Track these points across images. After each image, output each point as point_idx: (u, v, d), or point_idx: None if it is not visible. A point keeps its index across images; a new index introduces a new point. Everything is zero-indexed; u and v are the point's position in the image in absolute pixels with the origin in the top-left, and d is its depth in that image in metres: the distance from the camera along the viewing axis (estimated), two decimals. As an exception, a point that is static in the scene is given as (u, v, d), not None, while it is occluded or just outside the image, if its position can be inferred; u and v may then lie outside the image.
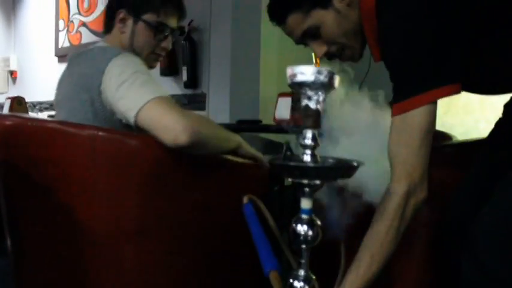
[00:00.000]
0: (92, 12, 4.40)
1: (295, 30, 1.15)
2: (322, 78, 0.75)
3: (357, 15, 1.09)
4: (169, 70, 3.64)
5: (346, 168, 0.78)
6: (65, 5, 4.71)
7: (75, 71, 1.24)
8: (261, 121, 2.14)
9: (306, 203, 0.79)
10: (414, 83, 0.95)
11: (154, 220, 1.12)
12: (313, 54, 1.25)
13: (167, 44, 1.39)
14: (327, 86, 0.76)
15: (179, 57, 3.60)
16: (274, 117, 2.09)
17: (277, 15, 1.15)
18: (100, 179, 1.04)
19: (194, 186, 1.15)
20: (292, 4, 1.11)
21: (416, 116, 0.93)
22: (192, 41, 3.50)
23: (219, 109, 3.25)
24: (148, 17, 1.32)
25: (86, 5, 4.54)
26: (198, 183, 1.16)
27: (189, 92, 3.61)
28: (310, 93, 0.77)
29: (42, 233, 1.16)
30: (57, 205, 1.08)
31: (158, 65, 3.60)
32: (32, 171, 1.08)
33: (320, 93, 0.77)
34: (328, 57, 1.16)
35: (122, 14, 1.33)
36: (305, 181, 0.76)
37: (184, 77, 3.51)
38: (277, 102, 2.09)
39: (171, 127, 1.00)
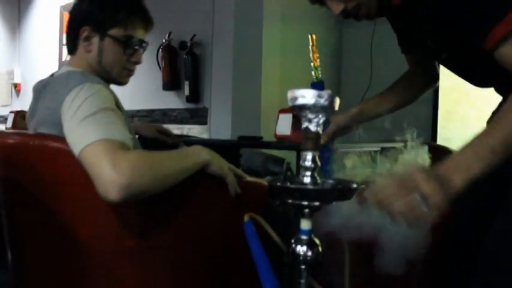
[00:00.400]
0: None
1: None
2: (323, 101, 0.76)
3: None
4: (172, 84, 3.67)
5: (345, 190, 0.78)
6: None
7: (41, 105, 1.18)
8: (261, 137, 2.14)
9: (305, 224, 0.79)
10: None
11: (155, 237, 1.13)
12: (312, 64, 1.24)
13: (138, 57, 1.32)
14: (327, 109, 0.77)
15: (181, 71, 3.64)
16: (275, 133, 2.10)
17: None
18: (94, 195, 1.04)
19: (195, 204, 1.16)
20: None
21: None
22: (194, 56, 3.53)
23: (220, 124, 3.26)
24: (115, 31, 1.24)
25: (89, 19, 4.58)
26: (198, 200, 1.17)
27: (191, 106, 3.63)
28: (310, 115, 0.78)
29: (43, 249, 1.16)
30: (58, 222, 1.09)
31: (160, 79, 3.68)
32: (34, 189, 1.09)
33: (320, 116, 0.78)
34: (345, 15, 1.13)
35: (86, 32, 1.24)
36: (305, 203, 0.77)
37: (187, 92, 3.54)
38: (278, 118, 2.09)
39: (98, 179, 0.94)
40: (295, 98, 0.78)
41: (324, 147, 1.14)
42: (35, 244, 1.18)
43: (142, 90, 4.08)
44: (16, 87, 5.89)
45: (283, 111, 2.04)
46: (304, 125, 0.79)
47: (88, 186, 0.98)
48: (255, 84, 3.21)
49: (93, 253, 1.10)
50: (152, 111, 3.98)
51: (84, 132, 1.00)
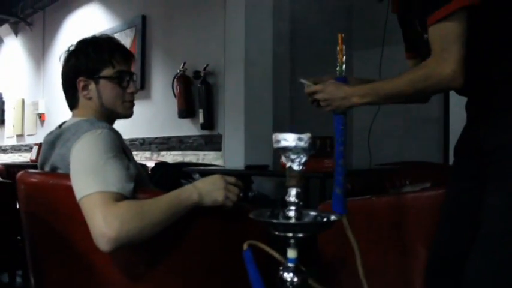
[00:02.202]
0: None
1: None
2: (303, 144, 0.86)
3: None
4: (187, 112, 3.81)
5: (325, 223, 0.87)
6: (89, 52, 4.97)
7: (55, 153, 1.29)
8: (268, 166, 2.24)
9: (291, 253, 0.88)
10: None
11: (162, 265, 1.22)
12: (338, 61, 1.35)
13: (133, 87, 1.41)
14: (307, 150, 0.87)
15: (196, 100, 3.78)
16: (281, 161, 2.18)
17: None
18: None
19: (198, 232, 1.25)
20: None
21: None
22: (207, 85, 3.68)
23: (234, 150, 3.36)
24: (106, 72, 1.35)
25: (109, 51, 4.79)
26: (202, 229, 1.26)
27: (205, 133, 3.76)
28: (292, 156, 0.88)
29: (61, 275, 1.27)
30: (75, 253, 1.19)
31: (176, 108, 3.83)
32: (52, 222, 1.20)
33: (302, 156, 0.88)
34: None
35: (82, 82, 1.35)
36: (289, 234, 0.86)
37: (201, 119, 3.68)
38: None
39: (91, 231, 1.06)
40: (279, 141, 0.87)
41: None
42: (53, 271, 1.29)
43: (159, 118, 4.23)
44: (41, 117, 6.15)
45: (289, 139, 2.11)
46: (288, 164, 0.89)
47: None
48: (266, 110, 3.32)
49: (108, 279, 1.21)
50: (169, 138, 4.13)
51: (84, 182, 1.11)
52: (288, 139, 0.87)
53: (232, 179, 1.26)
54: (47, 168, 1.33)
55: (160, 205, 1.15)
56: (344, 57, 1.33)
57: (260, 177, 2.51)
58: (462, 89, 1.33)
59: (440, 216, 1.37)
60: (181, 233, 1.23)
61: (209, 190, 1.21)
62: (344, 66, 1.35)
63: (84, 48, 1.40)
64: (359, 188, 2.97)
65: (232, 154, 3.38)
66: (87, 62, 1.37)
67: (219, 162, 3.61)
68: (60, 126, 1.39)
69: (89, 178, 1.11)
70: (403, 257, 1.55)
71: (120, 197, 1.11)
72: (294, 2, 3.55)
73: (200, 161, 3.77)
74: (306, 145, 0.86)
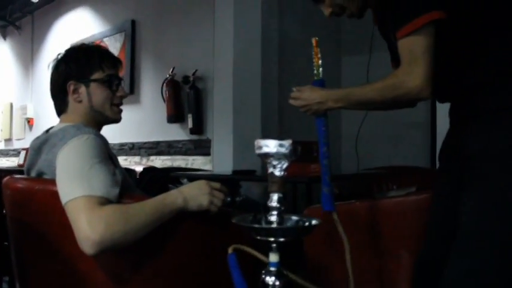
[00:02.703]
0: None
1: None
2: (284, 150, 0.88)
3: None
4: (176, 117, 3.82)
5: (306, 227, 0.89)
6: (78, 56, 4.97)
7: (41, 158, 1.30)
8: (255, 171, 2.25)
9: (273, 257, 0.89)
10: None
11: (148, 269, 1.23)
12: (314, 64, 1.39)
13: (122, 92, 1.44)
14: (288, 156, 0.89)
15: (185, 104, 3.79)
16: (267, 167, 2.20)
17: None
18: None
19: (184, 237, 1.26)
20: None
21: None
22: (196, 90, 3.69)
23: (223, 154, 3.37)
24: (96, 75, 1.38)
25: (98, 55, 4.79)
26: (188, 233, 1.27)
27: (194, 137, 3.77)
28: (274, 162, 0.90)
29: (47, 280, 1.27)
30: (61, 257, 1.20)
31: (165, 112, 3.83)
32: (39, 229, 1.21)
33: (283, 162, 0.90)
34: (334, 15, 1.40)
35: (72, 85, 1.37)
36: (271, 239, 0.87)
37: (190, 124, 3.69)
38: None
39: (76, 234, 1.07)
40: (260, 147, 0.89)
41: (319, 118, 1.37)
42: (40, 277, 1.29)
43: (148, 123, 4.24)
44: (29, 121, 6.12)
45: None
46: (270, 170, 0.91)
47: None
48: (254, 115, 3.33)
49: (94, 282, 1.21)
50: (158, 143, 4.13)
51: (69, 187, 1.12)
52: (270, 145, 0.88)
53: (217, 185, 1.27)
54: (33, 174, 1.33)
55: (145, 209, 1.16)
56: (320, 61, 1.37)
57: (248, 182, 2.53)
58: (443, 96, 1.37)
59: (428, 220, 1.40)
60: (167, 238, 1.24)
61: (194, 195, 1.23)
62: (321, 69, 1.39)
63: (74, 54, 1.43)
64: (346, 192, 2.99)
65: (221, 159, 3.39)
66: (78, 67, 1.39)
67: (208, 166, 3.62)
68: (47, 131, 1.39)
69: (74, 183, 1.12)
70: (387, 262, 1.58)
71: (105, 201, 1.12)
72: (283, 8, 3.58)
73: (189, 166, 3.78)
74: (287, 151, 0.88)
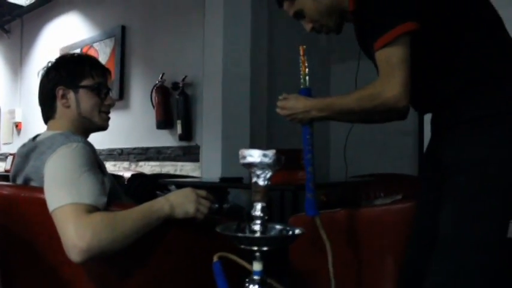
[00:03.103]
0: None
1: (289, 12, 1.45)
2: (267, 160, 0.89)
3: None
4: (165, 123, 3.82)
5: (289, 236, 0.90)
6: (68, 61, 4.95)
7: (29, 165, 1.30)
8: (242, 178, 2.26)
9: (257, 266, 0.90)
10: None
11: (135, 277, 1.23)
12: (301, 73, 1.42)
13: (110, 100, 1.46)
14: (272, 166, 0.90)
15: (174, 111, 3.79)
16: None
17: (277, 2, 1.47)
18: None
19: (170, 245, 1.26)
20: None
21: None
22: (186, 96, 3.69)
23: (211, 161, 3.38)
24: (85, 82, 1.40)
25: (88, 60, 4.78)
26: (174, 241, 1.27)
27: (183, 144, 3.77)
28: (258, 172, 0.91)
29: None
30: (48, 267, 1.20)
31: (154, 118, 3.83)
32: (25, 237, 1.21)
33: (267, 172, 0.91)
34: (315, 31, 1.45)
35: (61, 91, 1.38)
36: (254, 248, 0.88)
37: (179, 130, 3.69)
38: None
39: (63, 242, 1.07)
40: (244, 157, 0.90)
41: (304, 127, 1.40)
42: (25, 284, 1.29)
43: (137, 128, 4.23)
44: (17, 126, 6.08)
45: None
46: (253, 179, 0.92)
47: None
48: (243, 122, 3.35)
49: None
50: (147, 149, 4.13)
51: (57, 194, 1.13)
52: (254, 155, 0.90)
53: (203, 193, 1.29)
54: (19, 181, 1.33)
55: (132, 216, 1.17)
56: (307, 69, 1.39)
57: (236, 188, 2.53)
58: (421, 107, 1.40)
59: (412, 228, 1.43)
60: (152, 246, 1.24)
61: (180, 202, 1.24)
62: (307, 78, 1.41)
63: (64, 61, 1.45)
64: (334, 200, 3.01)
65: (209, 165, 3.40)
66: (68, 73, 1.41)
67: (196, 173, 3.62)
68: (33, 139, 1.39)
69: (63, 190, 1.13)
70: (372, 269, 1.59)
71: (92, 209, 1.13)
72: (272, 16, 3.61)
73: (178, 172, 3.77)
74: (271, 161, 0.90)
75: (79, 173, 1.17)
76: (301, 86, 1.41)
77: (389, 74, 1.20)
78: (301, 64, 1.41)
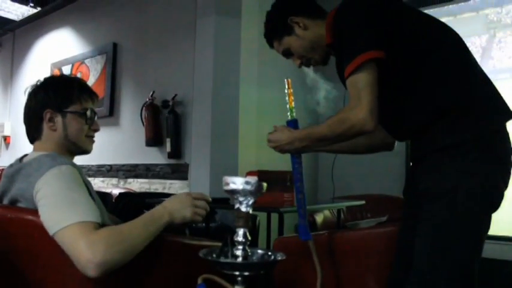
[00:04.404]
0: (85, 84, 4.67)
1: (278, 50, 1.58)
2: (249, 187, 0.92)
3: (313, 33, 1.48)
4: (154, 140, 3.84)
5: (270, 262, 0.92)
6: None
7: (15, 187, 1.31)
8: (229, 199, 2.28)
9: (238, 291, 0.93)
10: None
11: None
12: (287, 106, 1.49)
13: (97, 125, 1.48)
14: (254, 194, 0.93)
15: (163, 128, 3.81)
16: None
17: (267, 42, 1.60)
18: (68, 264, 1.16)
19: (153, 270, 1.27)
20: (271, 36, 1.57)
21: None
22: (175, 114, 3.72)
23: (200, 180, 3.39)
24: (73, 108, 1.41)
25: (78, 76, 4.80)
26: (156, 266, 1.28)
27: (172, 161, 3.78)
28: (241, 198, 0.94)
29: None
30: (29, 283, 1.20)
31: (144, 136, 3.85)
32: (11, 257, 1.21)
33: (249, 198, 0.94)
34: (304, 65, 1.55)
35: (49, 114, 1.39)
36: (236, 273, 0.90)
37: (168, 148, 3.70)
38: (246, 179, 2.22)
39: (76, 259, 1.08)
40: (227, 184, 0.93)
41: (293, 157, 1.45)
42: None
43: (126, 145, 4.24)
44: (6, 139, 6.05)
45: (250, 173, 2.17)
46: (236, 206, 0.94)
47: (57, 256, 1.11)
48: (232, 141, 3.37)
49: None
50: (136, 165, 4.13)
51: (61, 215, 1.14)
52: (236, 182, 0.92)
53: (198, 195, 1.32)
54: (5, 201, 1.34)
55: (137, 227, 1.21)
56: (293, 102, 1.44)
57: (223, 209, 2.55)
58: (399, 136, 1.45)
59: (395, 251, 1.46)
60: (145, 266, 1.25)
61: (177, 209, 1.28)
62: (294, 110, 1.46)
63: (53, 84, 1.45)
64: (320, 221, 3.04)
65: (198, 183, 3.41)
66: (56, 97, 1.41)
67: (185, 191, 3.62)
68: (20, 159, 1.40)
69: (65, 211, 1.15)
70: (355, 291, 1.61)
71: (98, 226, 1.15)
72: (262, 37, 3.66)
73: (166, 190, 3.78)
74: (253, 188, 0.92)
75: (77, 193, 1.20)
76: (289, 118, 1.46)
77: (356, 98, 1.26)
78: (287, 96, 1.46)
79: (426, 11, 1.47)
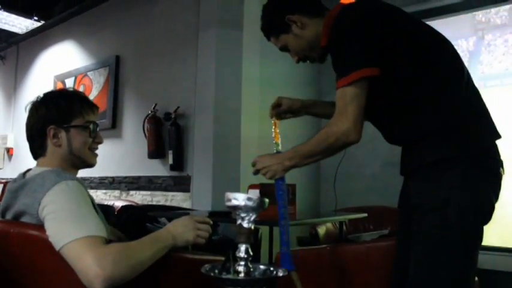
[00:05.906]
0: (88, 96, 4.69)
1: (276, 46, 1.58)
2: (251, 203, 0.93)
3: (311, 32, 1.48)
4: (157, 153, 3.85)
5: (271, 278, 0.93)
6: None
7: (19, 202, 1.31)
8: (231, 212, 2.28)
9: (240, 306, 0.93)
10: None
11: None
12: (274, 142, 1.54)
13: (100, 138, 1.49)
14: (256, 210, 0.94)
15: (166, 141, 3.83)
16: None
17: (264, 35, 1.58)
18: (72, 279, 1.17)
19: (155, 285, 1.28)
20: (268, 31, 1.56)
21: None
22: (177, 126, 3.74)
23: (202, 192, 3.39)
24: (76, 122, 1.42)
25: (81, 88, 4.84)
26: (159, 281, 1.29)
27: (174, 174, 3.79)
28: (243, 214, 0.94)
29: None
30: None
31: (146, 148, 3.86)
32: (14, 273, 1.21)
33: (251, 214, 0.95)
34: (302, 61, 1.56)
35: (52, 130, 1.39)
36: (238, 289, 0.91)
37: (170, 160, 3.71)
38: (247, 193, 2.23)
39: (83, 273, 1.09)
40: (230, 200, 0.94)
41: (278, 180, 1.45)
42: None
43: (129, 157, 4.25)
44: (9, 151, 6.08)
45: (252, 186, 2.18)
46: (238, 222, 0.95)
47: (60, 271, 1.11)
48: (234, 153, 3.38)
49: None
50: (138, 178, 4.14)
51: (69, 229, 1.15)
52: (238, 198, 0.93)
53: (200, 218, 1.34)
54: (8, 216, 1.35)
55: (144, 245, 1.22)
56: (280, 139, 1.48)
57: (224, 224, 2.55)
58: (396, 144, 1.46)
59: (393, 264, 1.47)
60: (147, 281, 1.25)
61: (180, 232, 1.30)
62: (280, 146, 1.52)
63: (54, 99, 1.44)
64: (323, 234, 3.04)
65: (200, 195, 3.41)
66: (59, 112, 1.42)
67: (187, 203, 3.63)
68: (24, 174, 1.41)
69: (74, 225, 1.16)
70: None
71: (105, 241, 1.17)
72: (264, 47, 3.68)
73: (168, 202, 3.78)
74: (255, 204, 0.93)
75: (84, 208, 1.21)
76: (274, 151, 1.51)
77: (341, 110, 1.28)
78: (273, 135, 1.54)
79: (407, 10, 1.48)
